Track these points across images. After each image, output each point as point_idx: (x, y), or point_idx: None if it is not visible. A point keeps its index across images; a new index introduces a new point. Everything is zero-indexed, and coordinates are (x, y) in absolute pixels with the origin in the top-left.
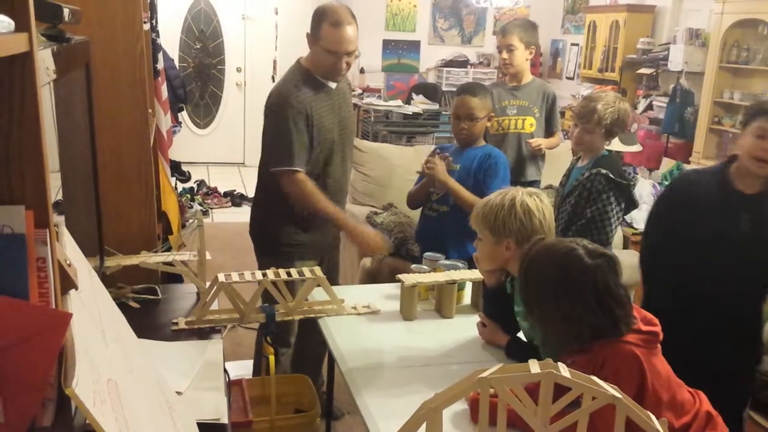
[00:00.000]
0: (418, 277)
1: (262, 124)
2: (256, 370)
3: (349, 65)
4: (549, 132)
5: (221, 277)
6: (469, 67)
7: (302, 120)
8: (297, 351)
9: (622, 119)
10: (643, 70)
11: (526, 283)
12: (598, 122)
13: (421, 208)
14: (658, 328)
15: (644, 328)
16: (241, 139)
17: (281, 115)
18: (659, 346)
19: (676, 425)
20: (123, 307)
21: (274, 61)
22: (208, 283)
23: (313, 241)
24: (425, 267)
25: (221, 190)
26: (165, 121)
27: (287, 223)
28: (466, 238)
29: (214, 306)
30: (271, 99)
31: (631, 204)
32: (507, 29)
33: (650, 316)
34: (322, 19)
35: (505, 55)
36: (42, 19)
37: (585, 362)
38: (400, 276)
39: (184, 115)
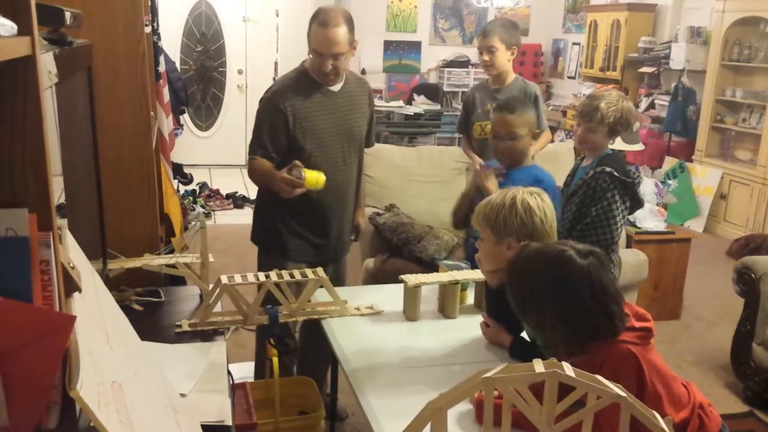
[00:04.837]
0: (420, 277)
1: None
2: (258, 373)
3: (336, 68)
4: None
5: (224, 279)
6: (470, 67)
7: (281, 119)
8: (302, 355)
9: (625, 117)
10: (644, 69)
11: (521, 290)
12: (601, 120)
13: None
14: (651, 324)
15: (637, 324)
16: (243, 141)
17: (261, 110)
18: (653, 341)
19: (676, 420)
20: (126, 309)
21: (276, 63)
22: (211, 285)
23: (314, 242)
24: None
25: (223, 192)
26: (167, 123)
27: (286, 221)
28: None
29: (217, 308)
30: (264, 94)
31: (637, 203)
32: (488, 30)
33: (642, 311)
34: (313, 19)
35: (486, 56)
36: (44, 22)
37: (583, 364)
38: (402, 276)
39: (185, 118)
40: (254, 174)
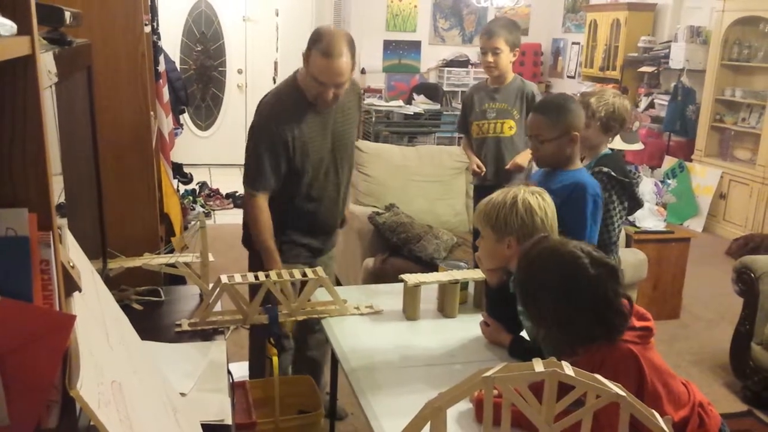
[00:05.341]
0: (420, 276)
1: None
2: (253, 372)
3: (336, 96)
4: None
5: (224, 279)
6: (470, 67)
7: (280, 145)
8: (297, 353)
9: (618, 113)
10: (644, 69)
11: (526, 284)
12: (592, 115)
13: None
14: (651, 323)
15: (638, 324)
16: (243, 140)
17: (259, 138)
18: (653, 340)
19: (676, 419)
20: (126, 308)
21: (275, 63)
22: (210, 285)
23: (311, 246)
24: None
25: (223, 192)
26: (166, 123)
27: (280, 230)
28: None
29: (217, 307)
30: (256, 116)
31: (636, 203)
32: (492, 31)
33: (642, 310)
34: (315, 43)
35: (490, 58)
36: (44, 22)
37: (583, 363)
38: (402, 276)
39: (185, 117)
40: (254, 219)
